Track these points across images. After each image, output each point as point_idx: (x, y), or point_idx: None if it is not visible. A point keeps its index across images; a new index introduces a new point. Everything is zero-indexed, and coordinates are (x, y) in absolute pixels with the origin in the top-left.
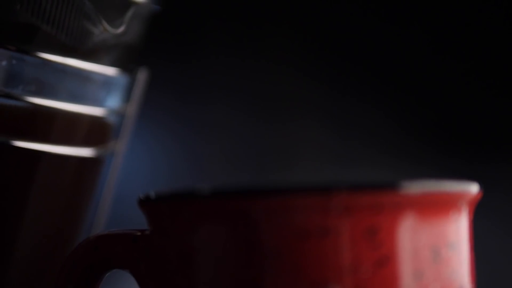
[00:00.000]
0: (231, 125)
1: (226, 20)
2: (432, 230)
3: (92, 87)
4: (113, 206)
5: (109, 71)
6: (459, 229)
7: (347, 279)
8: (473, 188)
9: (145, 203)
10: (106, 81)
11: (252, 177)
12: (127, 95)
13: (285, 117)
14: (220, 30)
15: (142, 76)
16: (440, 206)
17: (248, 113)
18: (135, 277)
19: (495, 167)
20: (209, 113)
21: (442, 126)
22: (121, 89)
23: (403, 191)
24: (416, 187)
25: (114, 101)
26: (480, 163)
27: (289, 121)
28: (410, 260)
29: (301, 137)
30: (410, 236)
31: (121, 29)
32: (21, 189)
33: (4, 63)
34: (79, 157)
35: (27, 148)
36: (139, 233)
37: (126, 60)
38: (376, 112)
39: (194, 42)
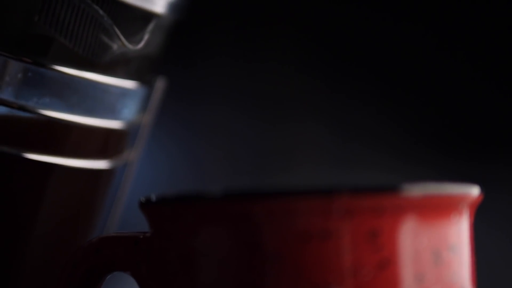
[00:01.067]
0: (232, 127)
1: (226, 22)
2: (433, 233)
3: (109, 99)
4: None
5: (127, 83)
6: (460, 232)
7: (349, 282)
8: (474, 191)
9: (146, 205)
10: (123, 93)
11: (253, 179)
12: (144, 105)
13: (286, 119)
14: (220, 32)
15: (160, 85)
16: (441, 208)
17: (249, 115)
18: (136, 280)
19: (496, 169)
20: (210, 115)
21: (443, 128)
22: (138, 99)
23: (404, 194)
24: (417, 190)
25: (130, 112)
26: (481, 165)
27: (291, 123)
28: (411, 263)
29: (303, 140)
30: (411, 238)
31: (140, 45)
32: (33, 200)
33: (19, 75)
34: (93, 169)
35: (41, 161)
36: (140, 236)
37: (144, 71)
38: (377, 114)
39: (195, 44)
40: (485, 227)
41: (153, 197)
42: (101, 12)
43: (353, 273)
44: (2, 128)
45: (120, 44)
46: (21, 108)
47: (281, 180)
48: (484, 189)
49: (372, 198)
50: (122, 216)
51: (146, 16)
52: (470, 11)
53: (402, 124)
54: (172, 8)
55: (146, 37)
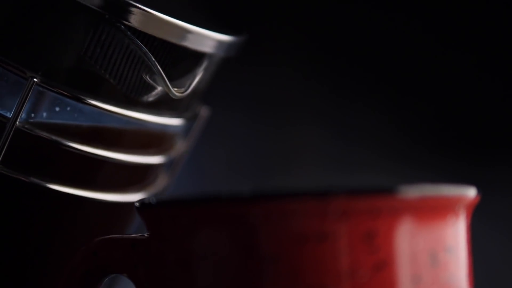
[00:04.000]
0: (230, 130)
1: (227, 24)
2: (430, 234)
3: (148, 135)
4: None
5: (169, 121)
6: (456, 233)
7: (345, 284)
8: (471, 192)
9: (144, 208)
10: (163, 129)
11: (251, 182)
12: (184, 134)
13: (284, 122)
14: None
15: (203, 115)
16: (437, 210)
17: (248, 118)
18: (134, 282)
19: (493, 171)
20: (209, 117)
21: (440, 130)
22: (179, 132)
23: (400, 195)
24: (414, 192)
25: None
26: (478, 167)
27: (289, 126)
28: (408, 264)
29: (301, 142)
30: (407, 240)
31: (187, 92)
32: (61, 230)
33: (57, 108)
34: (126, 202)
35: (72, 194)
36: (138, 238)
37: (189, 106)
38: (375, 116)
39: None
40: (483, 228)
41: (151, 200)
42: (149, 54)
43: (349, 275)
44: (37, 161)
45: (167, 89)
46: (56, 142)
47: (281, 182)
48: (481, 190)
49: (368, 200)
50: None
51: (197, 57)
52: (470, 13)
53: (399, 126)
54: (224, 47)
55: (194, 81)
